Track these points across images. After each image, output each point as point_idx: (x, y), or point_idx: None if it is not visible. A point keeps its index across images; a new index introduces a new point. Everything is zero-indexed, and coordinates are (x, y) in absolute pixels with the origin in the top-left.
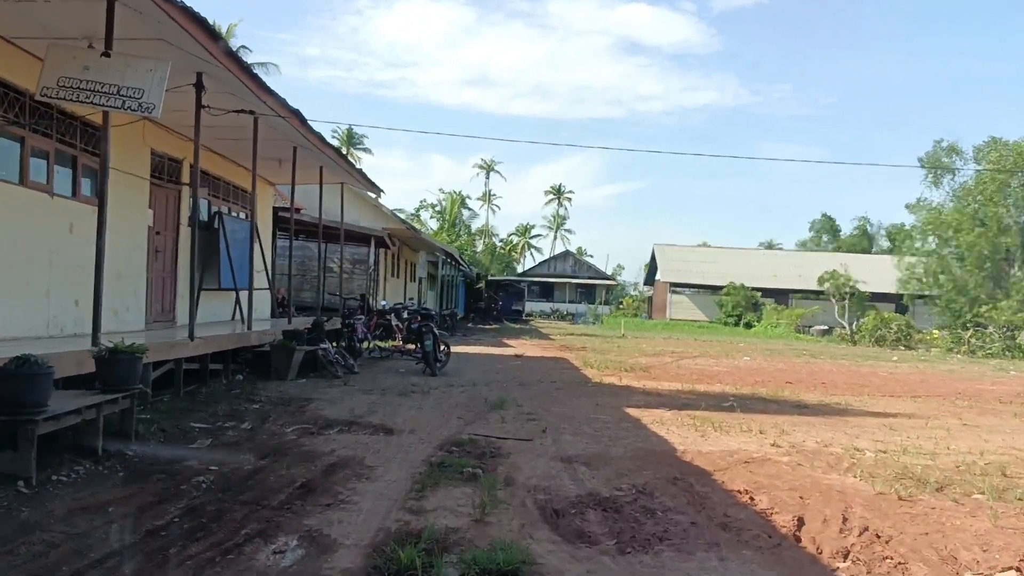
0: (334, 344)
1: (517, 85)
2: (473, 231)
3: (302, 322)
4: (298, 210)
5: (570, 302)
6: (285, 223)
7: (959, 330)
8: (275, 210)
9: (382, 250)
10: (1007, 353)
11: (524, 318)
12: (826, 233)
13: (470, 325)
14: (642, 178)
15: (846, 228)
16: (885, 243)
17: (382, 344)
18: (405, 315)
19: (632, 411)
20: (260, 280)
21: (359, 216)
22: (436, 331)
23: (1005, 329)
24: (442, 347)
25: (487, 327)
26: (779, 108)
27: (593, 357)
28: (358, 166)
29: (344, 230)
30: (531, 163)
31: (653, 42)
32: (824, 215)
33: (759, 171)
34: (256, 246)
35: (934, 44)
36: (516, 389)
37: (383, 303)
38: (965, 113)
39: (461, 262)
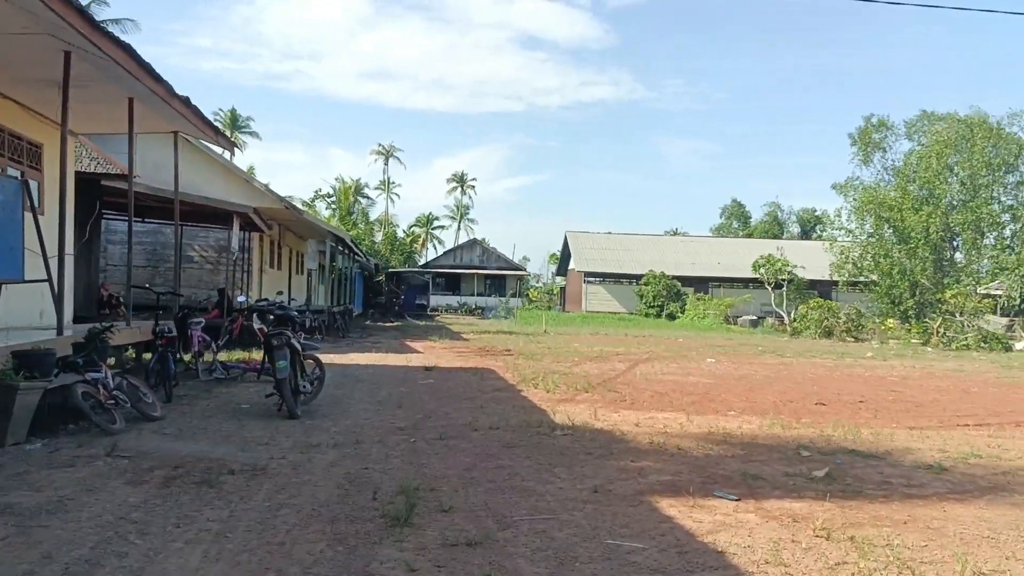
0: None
1: (417, 78)
2: (371, 220)
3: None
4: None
5: (479, 295)
6: (117, 195)
7: (925, 319)
8: (100, 176)
9: (255, 235)
10: (984, 345)
11: (429, 313)
12: (737, 219)
13: (368, 323)
14: (545, 171)
15: (756, 214)
16: (796, 229)
17: (225, 360)
18: (272, 316)
19: (676, 514)
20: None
21: (226, 192)
22: (298, 343)
23: (974, 317)
24: (310, 368)
25: (388, 325)
26: (673, 103)
27: (526, 366)
28: (241, 151)
29: (195, 206)
30: (433, 156)
31: (550, 37)
32: (734, 201)
33: (663, 162)
34: (29, 216)
35: (820, 39)
36: (433, 449)
37: (240, 299)
38: (854, 106)
39: (357, 251)
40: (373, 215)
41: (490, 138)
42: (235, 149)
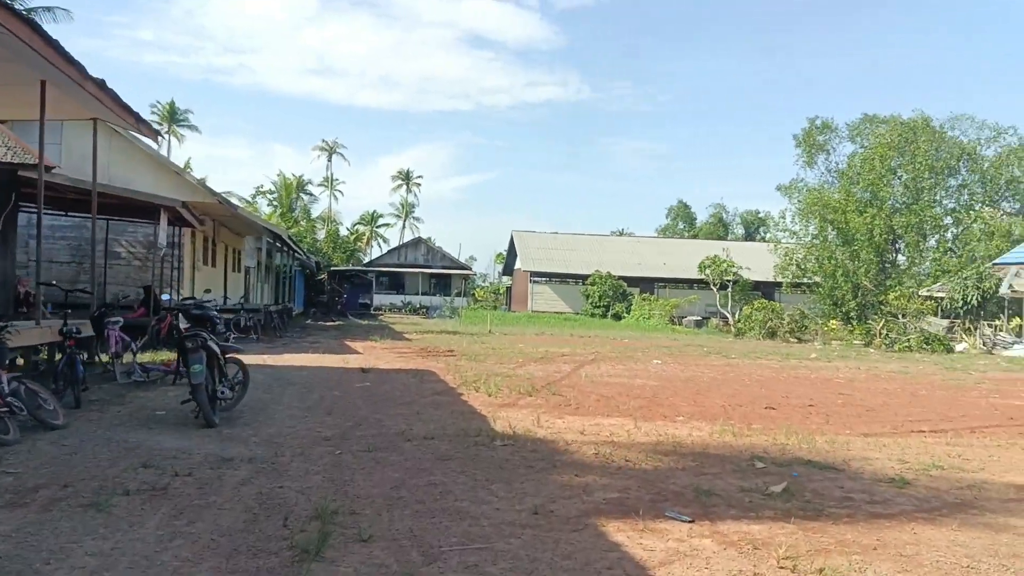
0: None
1: (363, 75)
2: (313, 217)
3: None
4: (48, 168)
5: (423, 294)
6: (35, 187)
7: (868, 321)
8: (16, 166)
9: (187, 230)
10: (926, 346)
11: (372, 312)
12: (683, 220)
13: (309, 322)
14: (492, 170)
15: (702, 215)
16: (740, 230)
17: (147, 361)
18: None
19: (625, 540)
20: None
21: (155, 185)
22: (217, 345)
23: (916, 319)
24: (232, 371)
25: (329, 324)
26: (620, 104)
27: (468, 367)
28: (180, 146)
29: (120, 199)
30: (379, 153)
31: (498, 37)
32: (680, 202)
33: (610, 163)
34: None
35: (767, 42)
36: (360, 464)
37: (164, 297)
38: (799, 109)
39: (296, 248)
40: (316, 212)
41: (437, 136)
42: (171, 141)
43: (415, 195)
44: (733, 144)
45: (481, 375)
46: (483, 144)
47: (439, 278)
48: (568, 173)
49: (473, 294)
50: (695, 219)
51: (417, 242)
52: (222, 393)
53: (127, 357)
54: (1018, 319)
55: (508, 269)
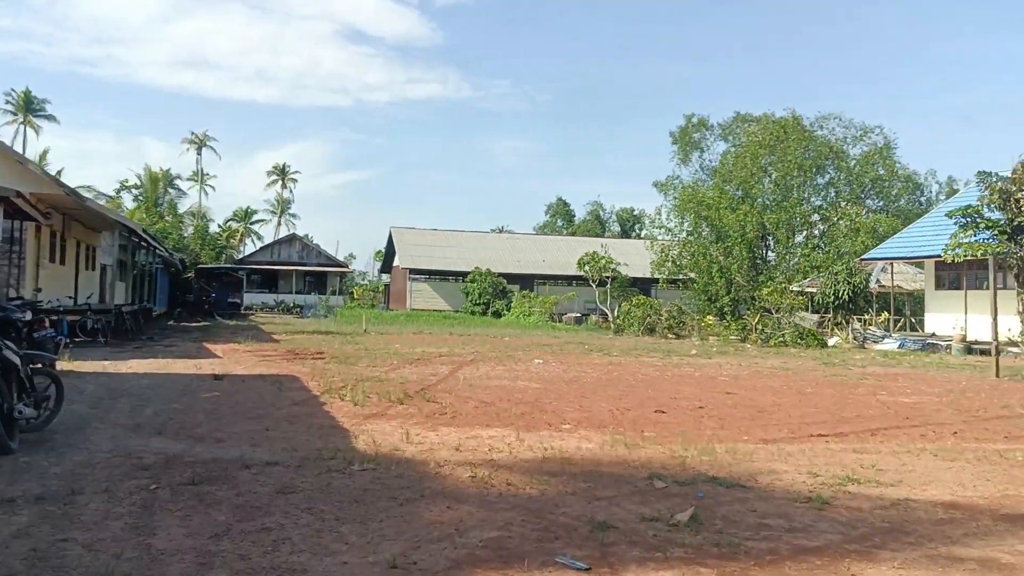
0: None
1: (237, 68)
2: (181, 213)
3: None
4: None
5: (297, 293)
6: None
7: (742, 316)
8: None
9: (30, 224)
10: (800, 341)
11: (243, 312)
12: (562, 217)
13: (172, 323)
14: (372, 167)
15: (580, 213)
16: (617, 227)
17: None
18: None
19: None
20: None
21: None
22: (16, 355)
23: (789, 314)
24: (41, 385)
25: (194, 325)
26: (499, 103)
27: (336, 372)
28: (37, 138)
29: None
30: (255, 149)
31: (377, 32)
32: (559, 199)
33: (490, 161)
34: None
35: (645, 44)
36: (177, 503)
37: None
38: (676, 109)
39: (157, 245)
40: (184, 207)
41: (315, 132)
42: (27, 132)
43: (291, 191)
44: (610, 143)
45: (349, 380)
46: (363, 141)
47: (315, 276)
48: (449, 171)
49: (351, 293)
50: (574, 216)
51: (291, 239)
52: (20, 412)
53: None
54: (886, 313)
55: (387, 267)
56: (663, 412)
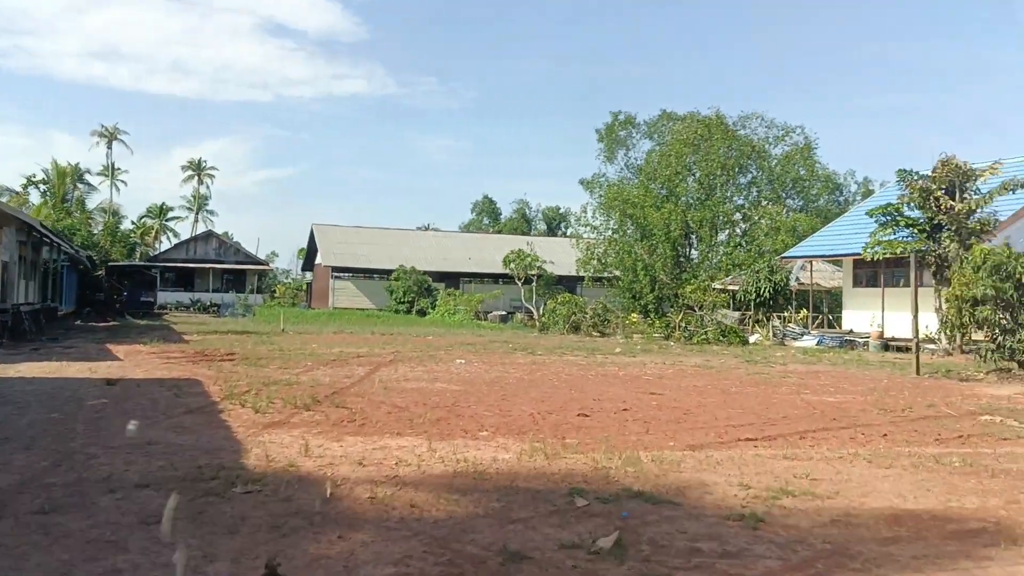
0: None
1: (153, 61)
2: (91, 208)
3: None
4: None
5: (215, 291)
6: None
7: (667, 315)
8: None
9: None
10: (723, 338)
11: (157, 311)
12: (488, 215)
13: (79, 323)
14: (296, 163)
15: (506, 211)
16: (542, 225)
17: None
18: None
19: None
20: None
21: None
22: None
23: (712, 312)
24: None
25: (103, 325)
26: (425, 100)
27: (244, 374)
28: None
29: None
30: (173, 144)
31: (300, 26)
32: (486, 197)
33: (417, 158)
34: None
35: (571, 45)
36: (17, 538)
37: None
38: (602, 108)
39: (62, 241)
40: (95, 203)
41: (236, 128)
42: None
43: (207, 187)
44: (537, 141)
45: (256, 384)
46: (286, 137)
47: (233, 274)
48: (376, 168)
49: (272, 291)
50: (500, 214)
51: (208, 235)
52: None
53: None
54: (805, 311)
55: (309, 265)
56: (586, 415)
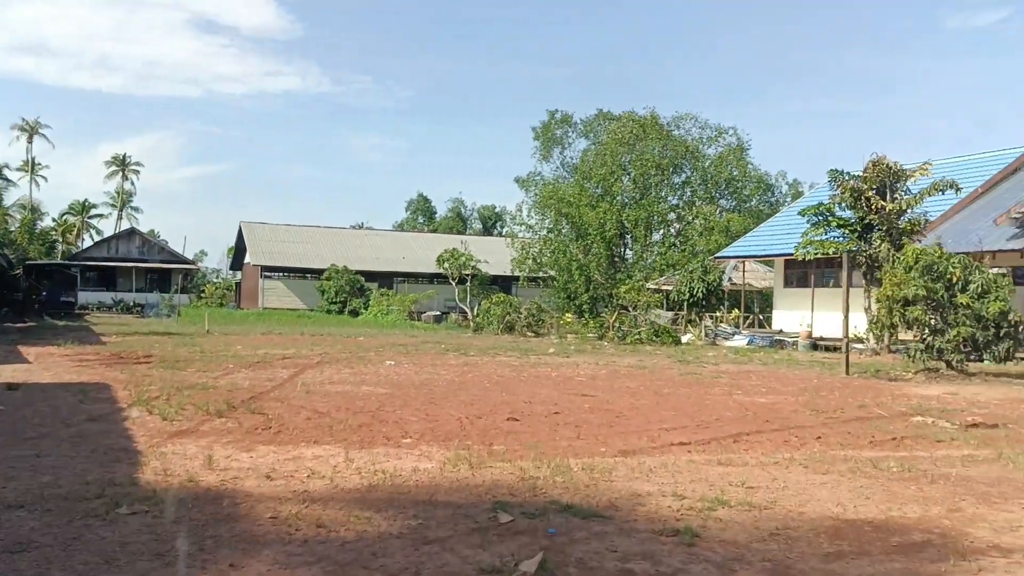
0: None
1: (80, 55)
2: (9, 205)
3: None
4: None
5: (138, 291)
6: None
7: (601, 315)
8: None
9: None
10: (656, 338)
11: (77, 312)
12: (422, 214)
13: None
14: (226, 160)
15: (441, 210)
16: (478, 225)
17: None
18: None
19: None
20: None
21: None
22: None
23: (645, 311)
24: None
25: (19, 326)
26: (360, 99)
27: (159, 377)
28: None
29: None
30: (99, 139)
31: (231, 22)
32: (420, 196)
33: (351, 157)
34: None
35: (508, 46)
36: None
37: None
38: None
39: None
40: (13, 199)
41: (164, 124)
42: None
43: (132, 183)
44: (473, 141)
45: (169, 388)
46: (217, 134)
47: (157, 273)
48: (309, 166)
49: (200, 291)
50: (435, 213)
51: (131, 233)
52: None
53: None
54: (737, 310)
55: (238, 264)
56: (516, 420)
